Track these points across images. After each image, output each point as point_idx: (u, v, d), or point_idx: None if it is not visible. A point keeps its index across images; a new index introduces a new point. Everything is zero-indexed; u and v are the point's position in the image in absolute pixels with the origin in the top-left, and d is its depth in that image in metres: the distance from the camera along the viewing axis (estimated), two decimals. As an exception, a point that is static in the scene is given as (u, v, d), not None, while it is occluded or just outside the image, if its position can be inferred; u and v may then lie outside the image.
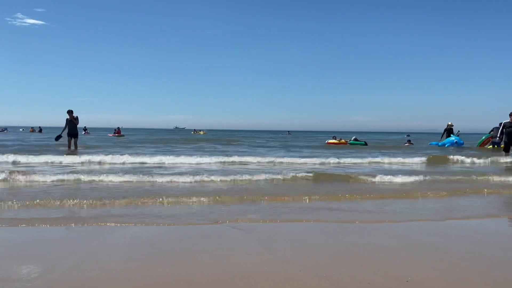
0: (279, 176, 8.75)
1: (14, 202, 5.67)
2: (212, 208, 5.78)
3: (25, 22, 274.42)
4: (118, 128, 45.10)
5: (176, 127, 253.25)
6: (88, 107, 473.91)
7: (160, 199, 6.11)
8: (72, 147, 16.37)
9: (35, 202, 5.73)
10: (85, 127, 54.61)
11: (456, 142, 22.24)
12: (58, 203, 5.77)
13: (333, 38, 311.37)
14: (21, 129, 69.06)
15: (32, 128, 62.78)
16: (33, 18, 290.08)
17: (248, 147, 23.21)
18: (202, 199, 6.26)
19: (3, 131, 58.51)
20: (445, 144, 22.55)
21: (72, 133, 16.36)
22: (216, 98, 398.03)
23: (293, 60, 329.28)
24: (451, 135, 23.10)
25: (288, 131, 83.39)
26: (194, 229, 4.61)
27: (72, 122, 16.15)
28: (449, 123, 23.35)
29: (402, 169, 11.50)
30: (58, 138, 16.89)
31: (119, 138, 37.98)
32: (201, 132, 73.88)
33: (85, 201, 5.86)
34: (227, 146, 22.76)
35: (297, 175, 9.01)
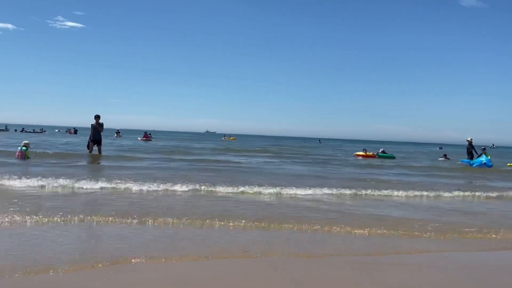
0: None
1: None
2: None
3: (65, 25, 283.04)
4: (147, 132, 45.74)
5: (207, 131, 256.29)
6: (122, 108, 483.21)
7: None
8: (95, 152, 16.43)
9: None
10: (117, 130, 55.61)
11: (485, 163, 20.86)
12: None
13: (367, 45, 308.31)
14: (56, 130, 70.34)
15: (70, 129, 63.89)
16: (72, 21, 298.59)
17: (284, 162, 20.40)
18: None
19: (42, 132, 59.05)
20: (473, 164, 21.26)
21: (95, 139, 16.37)
22: (246, 103, 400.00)
23: (324, 66, 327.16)
24: (475, 150, 22.19)
25: (319, 140, 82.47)
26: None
27: (96, 128, 16.21)
28: (468, 139, 22.42)
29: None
30: (89, 146, 16.86)
31: (147, 142, 38.40)
32: (232, 138, 74.09)
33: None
34: (262, 160, 20.47)
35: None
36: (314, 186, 10.13)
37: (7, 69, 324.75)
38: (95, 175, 10.42)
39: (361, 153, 27.32)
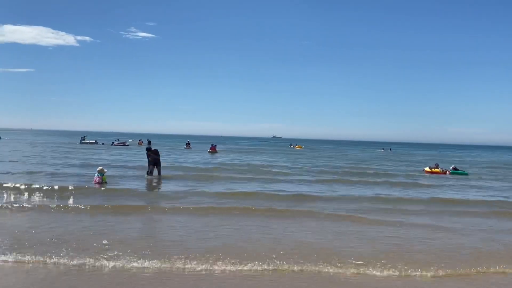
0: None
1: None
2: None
3: (137, 35, 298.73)
4: (213, 144, 46.67)
5: (274, 136, 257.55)
6: (190, 114, 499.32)
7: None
8: (155, 173, 17.23)
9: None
10: (188, 141, 57.11)
11: None
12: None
13: (438, 45, 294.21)
14: (130, 140, 72.19)
15: (140, 140, 65.42)
16: (144, 32, 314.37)
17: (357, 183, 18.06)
18: None
19: (125, 144, 57.42)
20: None
21: (154, 162, 17.28)
22: (311, 107, 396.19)
23: (391, 69, 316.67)
24: None
25: (390, 148, 79.58)
26: None
27: (152, 154, 17.27)
28: None
29: None
30: (148, 173, 17.38)
31: (214, 155, 39.13)
32: (298, 147, 73.66)
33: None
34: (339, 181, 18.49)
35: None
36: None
37: (85, 78, 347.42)
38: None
39: (434, 169, 25.98)
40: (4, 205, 9.84)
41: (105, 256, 6.28)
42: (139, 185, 15.22)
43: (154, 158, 17.19)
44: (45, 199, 11.28)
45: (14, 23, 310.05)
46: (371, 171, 25.05)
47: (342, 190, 15.29)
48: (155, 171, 17.34)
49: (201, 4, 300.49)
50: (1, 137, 66.34)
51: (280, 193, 13.68)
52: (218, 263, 6.25)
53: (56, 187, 12.83)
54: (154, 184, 15.61)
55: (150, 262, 6.15)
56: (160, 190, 13.92)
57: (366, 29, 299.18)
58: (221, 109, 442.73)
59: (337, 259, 6.65)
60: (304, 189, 15.21)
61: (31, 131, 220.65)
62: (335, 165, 29.42)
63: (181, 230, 8.30)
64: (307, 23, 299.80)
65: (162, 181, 15.99)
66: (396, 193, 15.15)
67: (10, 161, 22.56)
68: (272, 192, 13.64)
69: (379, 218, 10.19)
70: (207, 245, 7.25)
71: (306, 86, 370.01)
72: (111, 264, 6.04)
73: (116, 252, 6.49)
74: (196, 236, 7.86)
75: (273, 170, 23.06)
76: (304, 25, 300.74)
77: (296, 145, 79.80)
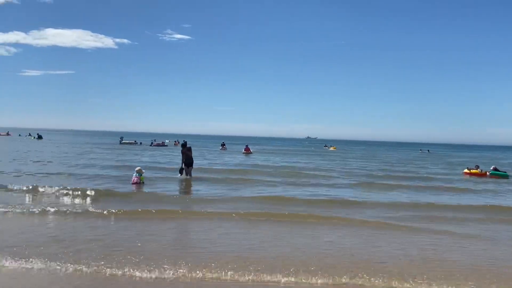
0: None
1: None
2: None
3: (174, 37, 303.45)
4: (247, 145, 47.08)
5: (308, 137, 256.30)
6: (227, 116, 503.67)
7: None
8: (188, 175, 17.33)
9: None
10: (223, 142, 57.66)
11: None
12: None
13: (470, 46, 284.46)
14: (167, 140, 73.31)
15: (176, 141, 66.59)
16: (180, 33, 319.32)
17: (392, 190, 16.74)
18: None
19: (163, 144, 59.34)
20: None
21: (187, 162, 17.43)
22: (346, 108, 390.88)
23: (428, 68, 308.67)
24: None
25: (428, 150, 77.67)
26: None
27: (186, 153, 17.38)
28: None
29: None
30: (181, 171, 17.52)
31: (249, 156, 39.44)
32: (332, 148, 73.18)
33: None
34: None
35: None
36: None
37: (123, 80, 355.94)
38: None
39: (472, 170, 25.42)
40: (48, 209, 9.91)
41: (172, 266, 6.14)
42: (175, 188, 15.38)
43: (187, 158, 17.33)
44: (90, 202, 11.37)
45: (56, 27, 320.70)
46: (411, 174, 24.40)
47: (381, 195, 14.95)
48: (186, 172, 17.42)
49: (236, 6, 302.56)
50: (43, 137, 68.97)
51: (318, 197, 13.42)
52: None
53: (100, 190, 12.90)
54: (189, 187, 15.68)
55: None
56: (197, 193, 13.81)
57: (403, 32, 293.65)
58: (257, 111, 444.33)
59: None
60: (343, 193, 14.90)
61: (71, 131, 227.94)
62: (372, 167, 29.04)
63: (231, 237, 8.10)
64: (341, 25, 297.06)
65: (199, 184, 15.99)
66: (438, 198, 14.56)
67: (50, 162, 23.25)
68: (309, 197, 13.35)
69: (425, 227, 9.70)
70: (275, 254, 7.04)
71: (342, 87, 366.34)
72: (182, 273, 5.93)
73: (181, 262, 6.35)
74: (262, 245, 7.64)
75: (308, 172, 22.84)
76: (339, 27, 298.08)
77: (331, 146, 79.25)
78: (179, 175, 17.38)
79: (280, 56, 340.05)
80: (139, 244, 7.25)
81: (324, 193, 14.56)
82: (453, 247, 8.00)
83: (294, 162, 33.13)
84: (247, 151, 44.33)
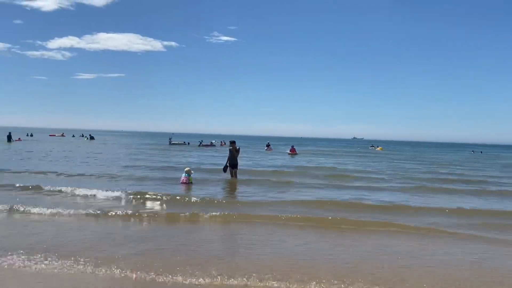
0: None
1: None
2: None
3: (220, 39, 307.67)
4: (293, 146, 46.84)
5: (354, 138, 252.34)
6: (271, 116, 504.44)
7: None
8: (232, 177, 17.18)
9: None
10: (268, 143, 57.70)
11: None
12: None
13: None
14: (214, 141, 73.99)
15: (223, 141, 67.24)
16: (226, 35, 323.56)
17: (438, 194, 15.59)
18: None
19: (212, 144, 60.18)
20: None
21: (232, 163, 17.17)
22: (392, 108, 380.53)
23: (475, 68, 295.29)
24: None
25: (481, 151, 74.33)
26: None
27: (233, 153, 17.07)
28: None
29: None
30: (225, 169, 17.42)
31: (294, 157, 39.19)
32: (379, 149, 71.58)
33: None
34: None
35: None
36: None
37: (172, 82, 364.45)
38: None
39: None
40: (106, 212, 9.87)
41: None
42: (222, 190, 15.28)
43: (233, 158, 17.08)
44: (155, 206, 11.19)
45: (107, 31, 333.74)
46: (467, 177, 23.07)
47: (436, 199, 14.11)
48: (231, 173, 17.26)
49: (281, 6, 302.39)
50: (95, 138, 71.64)
51: (368, 201, 12.81)
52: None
53: (162, 194, 12.34)
54: (237, 189, 15.51)
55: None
56: (245, 197, 13.41)
57: (450, 31, 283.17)
58: (302, 111, 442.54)
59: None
60: (395, 197, 14.14)
61: (122, 132, 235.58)
62: (423, 169, 27.99)
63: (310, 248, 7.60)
64: (392, 23, 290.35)
65: (246, 187, 15.72)
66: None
67: (103, 165, 23.82)
68: (360, 202, 12.73)
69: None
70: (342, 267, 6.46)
71: (388, 87, 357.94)
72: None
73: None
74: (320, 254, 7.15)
75: (356, 174, 22.16)
76: (385, 27, 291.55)
77: (378, 146, 77.53)
78: (224, 173, 17.37)
79: (326, 56, 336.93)
80: (220, 252, 7.05)
81: (375, 197, 13.87)
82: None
83: (340, 163, 32.47)
84: (293, 152, 44.06)
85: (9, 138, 49.15)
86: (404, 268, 6.45)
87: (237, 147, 17.32)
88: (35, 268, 5.88)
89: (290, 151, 44.53)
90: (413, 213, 11.28)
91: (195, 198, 12.02)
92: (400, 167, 29.65)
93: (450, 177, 22.96)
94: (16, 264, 5.99)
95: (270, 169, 23.45)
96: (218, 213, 9.82)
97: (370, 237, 8.51)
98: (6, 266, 5.93)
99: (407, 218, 10.39)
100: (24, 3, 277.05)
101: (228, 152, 17.40)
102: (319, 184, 17.08)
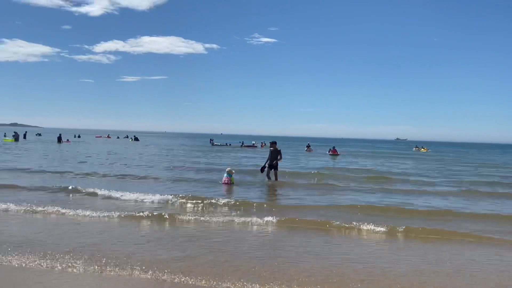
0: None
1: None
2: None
3: (260, 41, 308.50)
4: (334, 147, 46.40)
5: (397, 139, 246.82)
6: (311, 117, 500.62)
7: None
8: (272, 178, 16.87)
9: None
10: (308, 144, 57.42)
11: None
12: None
13: None
14: (253, 142, 73.90)
15: (263, 142, 67.11)
16: (267, 37, 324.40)
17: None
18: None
19: (254, 145, 60.27)
20: None
21: (272, 164, 16.87)
22: (439, 109, 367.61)
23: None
24: None
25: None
26: None
27: (274, 154, 16.82)
28: None
29: None
30: (262, 169, 17.31)
31: (335, 159, 38.75)
32: (423, 149, 69.65)
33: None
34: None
35: None
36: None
37: (213, 84, 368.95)
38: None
39: None
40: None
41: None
42: (264, 193, 15.05)
43: (273, 159, 16.83)
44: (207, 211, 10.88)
45: (151, 35, 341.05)
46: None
47: (500, 206, 13.11)
48: (271, 175, 17.04)
49: (322, 7, 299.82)
50: (139, 139, 73.51)
51: (419, 207, 12.16)
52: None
53: (219, 200, 11.87)
54: (279, 192, 15.22)
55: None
56: (288, 200, 13.10)
57: (498, 31, 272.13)
58: (343, 112, 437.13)
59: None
60: (446, 202, 13.40)
61: (165, 133, 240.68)
62: (475, 172, 26.95)
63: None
64: (440, 18, 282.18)
65: (287, 189, 15.45)
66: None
67: (148, 166, 24.13)
68: (410, 207, 12.07)
69: None
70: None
71: (432, 87, 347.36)
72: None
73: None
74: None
75: (399, 177, 21.44)
76: (436, 20, 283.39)
77: (422, 147, 75.42)
78: (261, 173, 17.26)
79: (367, 57, 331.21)
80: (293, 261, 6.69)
81: (422, 202, 13.19)
82: None
83: (383, 165, 31.62)
84: (334, 152, 43.64)
85: (59, 139, 51.39)
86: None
87: (278, 148, 17.16)
88: (85, 270, 6.01)
89: (331, 151, 44.13)
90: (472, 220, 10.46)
91: (236, 202, 11.78)
92: (447, 169, 28.60)
93: (503, 180, 21.66)
94: (61, 265, 6.14)
95: (312, 170, 23.09)
96: (273, 219, 9.45)
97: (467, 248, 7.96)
98: (45, 266, 6.09)
99: (468, 225, 9.76)
100: (73, 9, 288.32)
101: (268, 153, 17.28)
102: (363, 188, 16.50)
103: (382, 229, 8.85)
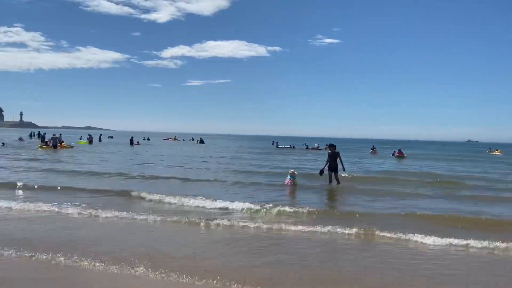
0: None
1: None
2: None
3: (324, 42, 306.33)
4: (400, 149, 45.06)
5: (469, 140, 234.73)
6: (376, 119, 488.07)
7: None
8: (333, 182, 16.46)
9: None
10: (373, 146, 56.20)
11: None
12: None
13: None
14: (316, 144, 73.57)
15: (327, 145, 65.74)
16: (330, 38, 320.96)
17: None
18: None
19: (318, 148, 57.88)
20: None
21: (331, 167, 16.45)
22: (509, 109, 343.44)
23: None
24: None
25: None
26: None
27: (332, 156, 16.41)
28: None
29: None
30: (321, 172, 17.07)
31: (400, 161, 37.65)
32: (497, 152, 65.73)
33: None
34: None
35: None
36: None
37: (276, 86, 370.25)
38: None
39: None
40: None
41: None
42: (326, 198, 14.90)
43: (333, 161, 16.45)
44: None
45: (215, 39, 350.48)
46: None
47: None
48: (332, 178, 16.65)
49: (385, 8, 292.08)
50: (204, 141, 75.45)
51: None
52: None
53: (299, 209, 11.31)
54: (340, 197, 14.87)
55: None
56: (352, 207, 12.52)
57: None
58: (411, 113, 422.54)
59: None
60: None
61: (229, 136, 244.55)
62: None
63: None
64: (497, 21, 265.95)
65: (350, 194, 15.03)
66: None
67: (216, 169, 24.43)
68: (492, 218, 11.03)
69: None
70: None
71: (505, 86, 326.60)
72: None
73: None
74: None
75: (475, 182, 20.04)
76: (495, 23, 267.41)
77: (496, 150, 71.15)
78: (320, 176, 17.16)
79: (436, 55, 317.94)
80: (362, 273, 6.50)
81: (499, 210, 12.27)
82: None
83: (454, 169, 29.94)
84: (400, 154, 42.44)
85: (131, 142, 54.17)
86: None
87: (336, 151, 16.77)
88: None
89: (397, 153, 42.97)
90: None
91: (303, 209, 11.19)
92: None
93: None
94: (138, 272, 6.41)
95: (378, 175, 22.58)
96: (360, 231, 8.94)
97: None
98: (118, 270, 6.45)
99: None
100: (142, 16, 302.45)
101: (327, 155, 16.80)
102: (437, 193, 15.68)
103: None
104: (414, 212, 11.38)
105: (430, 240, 8.30)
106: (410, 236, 8.55)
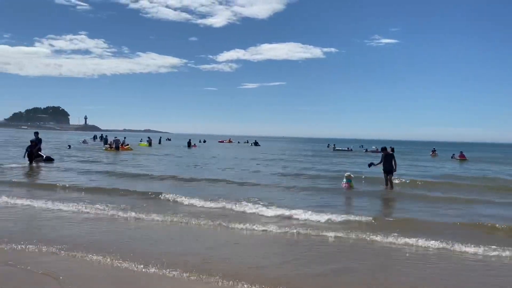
0: None
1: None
2: None
3: (381, 42, 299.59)
4: (462, 152, 43.45)
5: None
6: (434, 120, 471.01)
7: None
8: (387, 185, 16.36)
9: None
10: (434, 148, 54.48)
11: None
12: None
13: None
14: (374, 147, 71.59)
15: (376, 148, 64.53)
16: (387, 38, 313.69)
17: None
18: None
19: (377, 151, 54.45)
20: None
21: (387, 169, 16.30)
22: None
23: None
24: None
25: None
26: None
27: (387, 157, 16.21)
28: None
29: None
30: (370, 165, 17.42)
31: (462, 164, 36.39)
32: None
33: None
34: None
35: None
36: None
37: (332, 88, 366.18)
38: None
39: None
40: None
41: None
42: (381, 203, 14.56)
43: (387, 163, 16.28)
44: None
45: (270, 42, 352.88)
46: None
47: None
48: (386, 180, 16.56)
49: (444, 5, 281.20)
50: (260, 144, 76.31)
51: None
52: None
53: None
54: (393, 204, 14.36)
55: None
56: (406, 214, 11.87)
57: None
58: (469, 115, 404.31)
59: None
60: None
61: (284, 138, 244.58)
62: None
63: None
64: None
65: (406, 200, 14.39)
66: None
67: (272, 173, 23.97)
68: None
69: None
70: None
71: None
72: None
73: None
74: None
75: None
76: None
77: None
78: (369, 168, 17.84)
79: (500, 53, 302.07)
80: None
81: None
82: None
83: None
84: (462, 157, 41.05)
85: (189, 144, 55.93)
86: None
87: (391, 153, 16.76)
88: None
89: (458, 156, 41.60)
90: None
91: (358, 218, 10.51)
92: None
93: None
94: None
95: (441, 179, 21.58)
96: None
97: None
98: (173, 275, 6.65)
99: None
100: (199, 21, 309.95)
101: (381, 158, 16.76)
102: (504, 201, 14.63)
103: None
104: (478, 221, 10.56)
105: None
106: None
